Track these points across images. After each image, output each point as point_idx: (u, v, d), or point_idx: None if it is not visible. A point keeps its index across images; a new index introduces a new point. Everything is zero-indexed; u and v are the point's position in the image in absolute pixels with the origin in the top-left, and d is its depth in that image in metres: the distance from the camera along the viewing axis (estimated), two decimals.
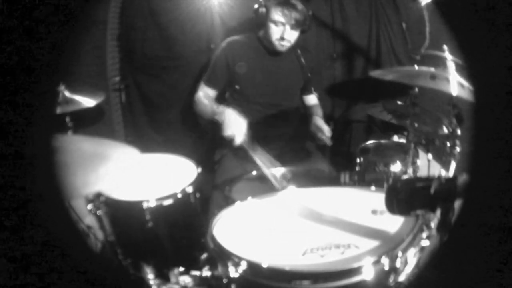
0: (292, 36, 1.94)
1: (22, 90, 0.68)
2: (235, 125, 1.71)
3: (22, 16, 0.67)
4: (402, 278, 0.99)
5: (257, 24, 1.99)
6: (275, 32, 1.92)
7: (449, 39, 1.57)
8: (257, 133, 1.97)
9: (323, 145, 1.99)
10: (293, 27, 1.91)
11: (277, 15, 1.88)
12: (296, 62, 2.10)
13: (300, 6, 1.89)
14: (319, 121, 2.05)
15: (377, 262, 0.95)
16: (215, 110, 1.84)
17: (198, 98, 2.04)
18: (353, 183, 1.85)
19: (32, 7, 0.68)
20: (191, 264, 1.16)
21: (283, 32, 1.90)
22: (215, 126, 1.87)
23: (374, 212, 1.21)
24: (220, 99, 2.09)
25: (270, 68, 2.03)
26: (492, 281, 0.71)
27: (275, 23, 1.90)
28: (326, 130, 1.95)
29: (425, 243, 1.05)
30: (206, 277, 1.09)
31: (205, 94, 2.03)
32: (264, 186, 1.67)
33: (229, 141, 1.72)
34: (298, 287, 0.93)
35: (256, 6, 1.95)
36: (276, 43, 1.95)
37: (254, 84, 2.01)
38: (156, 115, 2.65)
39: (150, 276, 1.35)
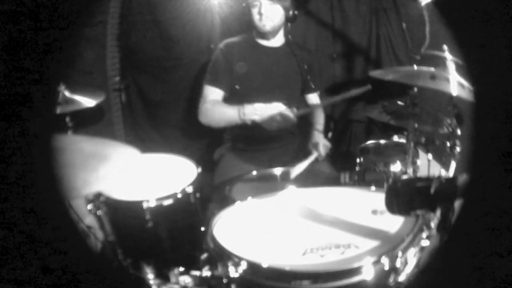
0: (270, 11, 1.91)
1: (22, 90, 0.68)
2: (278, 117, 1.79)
3: (22, 16, 0.67)
4: (402, 278, 0.99)
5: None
6: (255, 13, 1.92)
7: (449, 39, 1.57)
8: (257, 133, 1.98)
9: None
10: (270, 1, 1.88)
11: None
12: (294, 58, 2.09)
13: None
14: (318, 137, 2.02)
15: (377, 262, 0.94)
16: (241, 111, 1.83)
17: (208, 108, 1.95)
18: (353, 183, 1.84)
19: (32, 7, 0.68)
20: (191, 264, 1.16)
21: (260, 8, 1.89)
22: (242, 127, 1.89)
23: (374, 212, 1.21)
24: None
25: (268, 67, 2.02)
26: (492, 281, 0.71)
27: (253, 5, 1.91)
28: (322, 147, 1.93)
29: (425, 243, 1.05)
30: (206, 277, 1.08)
31: (214, 100, 1.96)
32: (264, 186, 1.67)
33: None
34: (298, 287, 0.93)
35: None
36: (258, 24, 1.93)
37: (253, 83, 2.01)
38: (156, 115, 2.65)
39: (150, 276, 1.34)
